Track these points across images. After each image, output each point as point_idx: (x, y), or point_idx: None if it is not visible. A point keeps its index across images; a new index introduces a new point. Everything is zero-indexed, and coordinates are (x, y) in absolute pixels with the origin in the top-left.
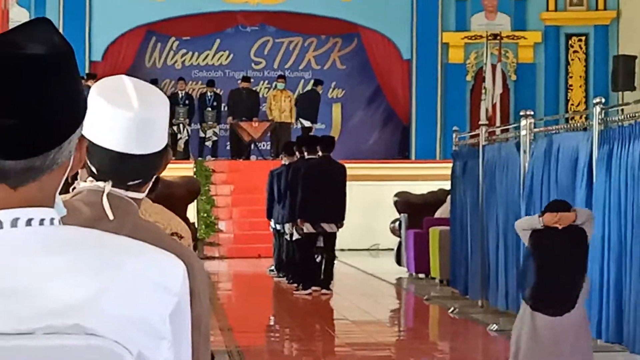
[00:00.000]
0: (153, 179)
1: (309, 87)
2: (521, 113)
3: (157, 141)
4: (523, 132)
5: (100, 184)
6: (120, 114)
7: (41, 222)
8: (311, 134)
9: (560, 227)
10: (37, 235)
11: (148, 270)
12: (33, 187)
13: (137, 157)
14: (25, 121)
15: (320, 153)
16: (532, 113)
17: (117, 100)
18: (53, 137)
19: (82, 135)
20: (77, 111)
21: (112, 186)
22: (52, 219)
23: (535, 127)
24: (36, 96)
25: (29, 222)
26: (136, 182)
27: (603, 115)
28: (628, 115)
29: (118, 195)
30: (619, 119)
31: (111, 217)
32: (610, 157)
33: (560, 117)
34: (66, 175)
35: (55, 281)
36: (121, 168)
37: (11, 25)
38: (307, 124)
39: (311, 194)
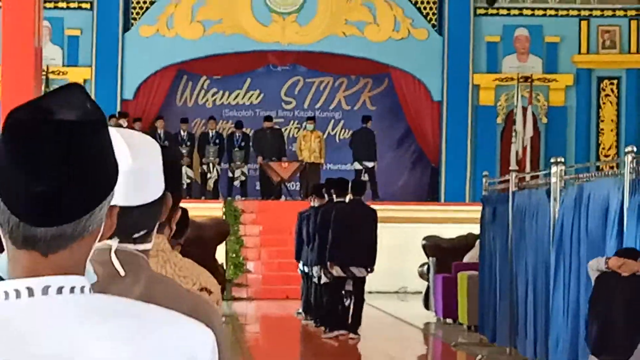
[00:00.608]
0: (156, 227)
1: (350, 128)
2: (552, 160)
3: (155, 189)
4: (553, 179)
5: (108, 241)
6: None
7: (72, 290)
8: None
9: (623, 274)
10: (68, 304)
11: (178, 341)
12: (64, 254)
13: (138, 209)
14: (56, 188)
15: (350, 196)
16: (562, 160)
17: None
18: (84, 204)
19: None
20: (108, 177)
21: (119, 242)
22: (82, 287)
23: (565, 174)
24: (67, 163)
25: (59, 290)
26: (141, 233)
27: (635, 164)
28: None
29: (126, 250)
30: None
31: (122, 273)
32: None
33: (591, 165)
34: (97, 241)
35: (88, 350)
36: (124, 222)
37: (45, 63)
38: (369, 164)
39: (341, 237)
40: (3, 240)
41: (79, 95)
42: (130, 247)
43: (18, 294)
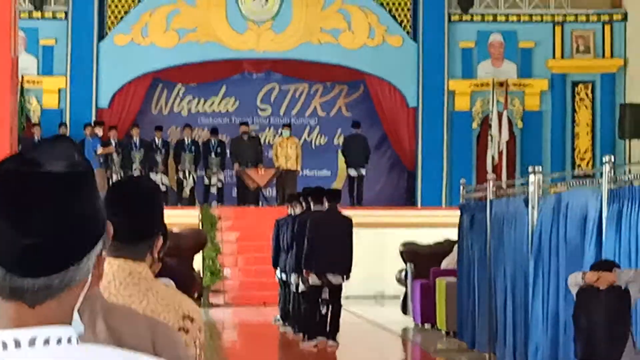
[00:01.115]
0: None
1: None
2: (530, 169)
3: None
4: (531, 188)
5: None
6: None
7: (59, 341)
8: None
9: (601, 288)
10: (54, 355)
11: None
12: (51, 305)
13: None
14: (43, 239)
15: (326, 204)
16: (540, 169)
17: None
18: (71, 255)
19: (101, 252)
20: (96, 228)
21: None
22: (69, 338)
23: (543, 183)
24: (55, 214)
25: (46, 342)
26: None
27: (613, 173)
28: (638, 175)
29: None
30: (629, 178)
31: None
32: (620, 216)
33: (567, 174)
34: (85, 291)
35: None
36: None
37: (19, 73)
38: (363, 171)
39: (317, 246)
40: None
41: (67, 147)
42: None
43: (5, 345)
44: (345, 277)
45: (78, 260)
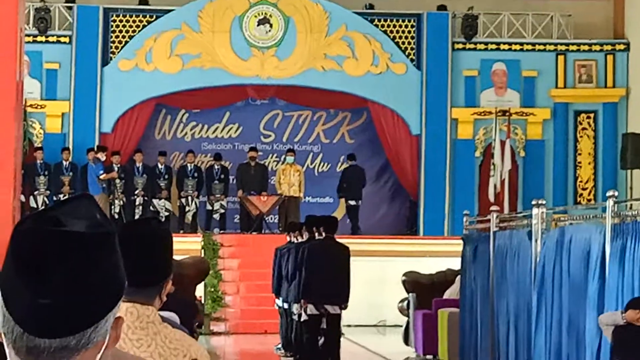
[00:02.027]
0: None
1: (346, 165)
2: (533, 202)
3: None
4: (534, 221)
5: None
6: None
7: None
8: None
9: None
10: None
11: None
12: None
13: None
14: (60, 300)
15: (316, 234)
16: (544, 202)
17: None
18: (89, 317)
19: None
20: (115, 290)
21: None
22: None
23: (546, 216)
24: (73, 275)
25: None
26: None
27: (616, 209)
28: None
29: None
30: (632, 214)
31: None
32: (624, 251)
33: (569, 208)
34: (101, 353)
35: None
36: None
37: (24, 97)
38: (354, 203)
39: (314, 276)
40: (6, 349)
41: (88, 207)
42: None
43: None
44: (343, 306)
45: (96, 322)
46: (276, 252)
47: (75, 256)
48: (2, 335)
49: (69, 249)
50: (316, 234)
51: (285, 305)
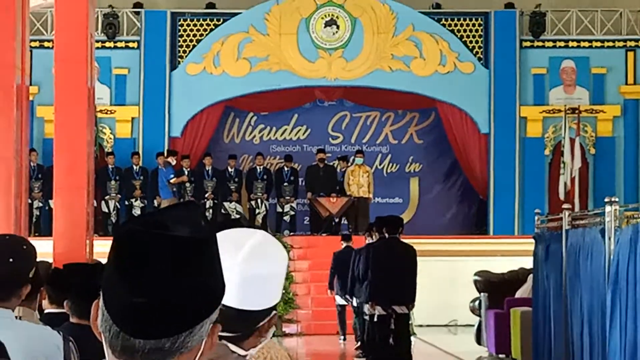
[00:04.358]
0: (251, 339)
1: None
2: (606, 199)
3: (259, 299)
4: (608, 219)
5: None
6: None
7: None
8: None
9: None
10: None
11: None
12: None
13: (233, 310)
14: (158, 302)
15: (386, 235)
16: (617, 199)
17: (227, 249)
18: (185, 320)
19: (217, 320)
20: (213, 296)
21: None
22: None
23: (619, 214)
24: (171, 278)
25: None
26: (231, 334)
27: None
28: None
29: (221, 344)
30: None
31: None
32: None
33: None
34: (196, 359)
35: None
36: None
37: (95, 102)
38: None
39: (379, 276)
40: (104, 346)
41: (194, 213)
42: (222, 342)
43: None
44: (410, 306)
45: (191, 327)
46: (334, 256)
47: (176, 259)
48: (101, 335)
49: (171, 252)
50: (386, 235)
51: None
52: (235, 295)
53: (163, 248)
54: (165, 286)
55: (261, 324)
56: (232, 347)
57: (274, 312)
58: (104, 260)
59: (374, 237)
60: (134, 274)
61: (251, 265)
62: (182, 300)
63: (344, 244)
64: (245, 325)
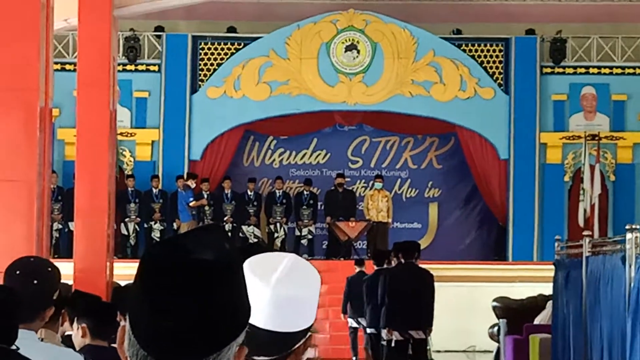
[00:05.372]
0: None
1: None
2: (627, 226)
3: (293, 321)
4: (628, 246)
5: None
6: (256, 286)
7: None
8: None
9: None
10: None
11: None
12: None
13: (268, 333)
14: (184, 325)
15: (402, 260)
16: (638, 227)
17: (260, 273)
18: (212, 343)
19: (243, 343)
20: (239, 319)
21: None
22: None
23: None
24: (198, 301)
25: None
26: (268, 358)
27: None
28: None
29: None
30: None
31: None
32: None
33: None
34: None
35: None
36: (250, 339)
37: (118, 125)
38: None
39: (395, 302)
40: None
41: (218, 236)
42: None
43: None
44: (427, 331)
45: (218, 350)
46: (347, 281)
47: (201, 283)
48: (129, 359)
49: (195, 275)
50: (402, 260)
51: (374, 331)
52: (270, 318)
53: (187, 272)
54: (191, 310)
55: (297, 345)
56: None
57: (309, 333)
58: (122, 283)
59: (392, 262)
60: (160, 298)
61: (285, 287)
62: (208, 323)
63: (358, 269)
64: (282, 347)
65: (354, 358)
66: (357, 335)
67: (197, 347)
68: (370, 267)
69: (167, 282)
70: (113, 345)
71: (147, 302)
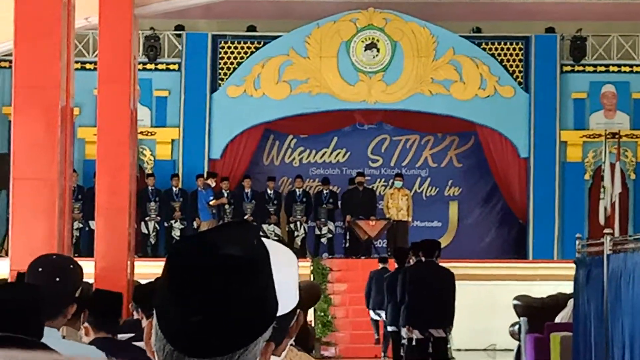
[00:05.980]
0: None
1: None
2: None
3: (283, 304)
4: None
5: None
6: None
7: None
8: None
9: None
10: None
11: None
12: None
13: None
14: (212, 320)
15: (422, 258)
16: None
17: None
18: (239, 338)
19: (270, 338)
20: (266, 314)
21: None
22: None
23: None
24: (226, 296)
25: None
26: None
27: None
28: None
29: None
30: None
31: None
32: None
33: None
34: None
35: None
36: None
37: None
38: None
39: (415, 300)
40: None
41: (246, 231)
42: None
43: None
44: (447, 330)
45: (246, 345)
46: (370, 274)
47: (229, 278)
48: (155, 354)
49: (223, 271)
50: (422, 258)
51: (394, 328)
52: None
53: (215, 267)
54: (218, 305)
55: (289, 326)
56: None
57: (298, 310)
58: (143, 281)
59: (411, 261)
60: (188, 293)
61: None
62: (236, 318)
63: (381, 265)
64: (278, 331)
65: (383, 353)
66: (378, 326)
67: (226, 343)
68: (392, 266)
69: (195, 278)
70: (120, 337)
71: (174, 297)
